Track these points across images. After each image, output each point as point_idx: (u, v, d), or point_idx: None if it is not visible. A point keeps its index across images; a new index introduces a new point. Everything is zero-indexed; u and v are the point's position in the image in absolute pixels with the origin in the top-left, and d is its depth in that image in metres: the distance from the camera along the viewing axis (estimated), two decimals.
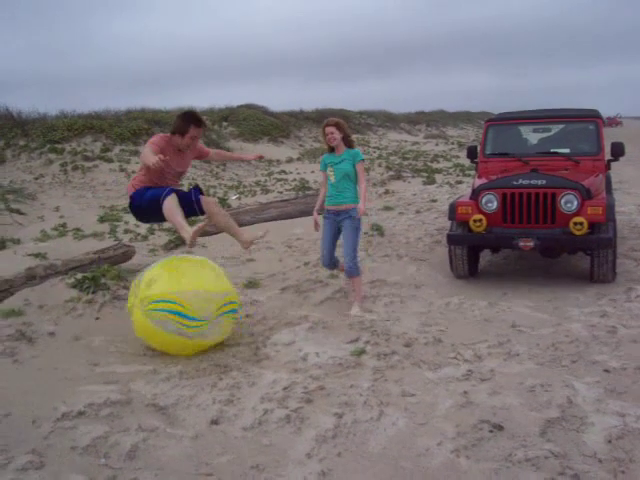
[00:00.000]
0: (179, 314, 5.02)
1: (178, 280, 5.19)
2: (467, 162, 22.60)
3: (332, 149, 6.57)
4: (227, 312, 5.35)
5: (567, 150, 8.39)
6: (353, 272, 6.43)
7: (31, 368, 5.09)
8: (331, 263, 6.73)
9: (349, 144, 6.55)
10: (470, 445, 3.66)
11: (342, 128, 6.50)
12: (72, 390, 4.60)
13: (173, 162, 5.73)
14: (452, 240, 7.43)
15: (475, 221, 7.16)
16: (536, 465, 3.41)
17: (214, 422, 4.06)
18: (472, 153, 8.83)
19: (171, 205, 5.39)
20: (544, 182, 7.11)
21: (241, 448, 3.75)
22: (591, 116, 8.47)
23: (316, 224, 6.66)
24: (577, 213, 6.91)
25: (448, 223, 7.85)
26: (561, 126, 8.94)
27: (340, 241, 6.54)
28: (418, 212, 12.85)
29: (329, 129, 6.47)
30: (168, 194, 5.43)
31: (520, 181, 7.20)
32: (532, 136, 9.26)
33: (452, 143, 37.45)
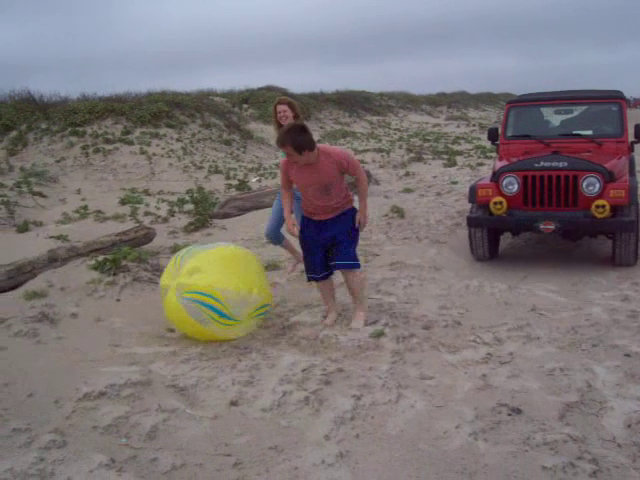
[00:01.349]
0: (215, 310, 5.05)
1: (222, 275, 5.16)
2: (488, 144, 22.36)
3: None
4: (260, 314, 5.44)
5: (589, 132, 8.29)
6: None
7: (53, 349, 5.15)
8: (273, 236, 6.83)
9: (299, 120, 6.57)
10: (488, 428, 3.67)
11: (294, 107, 6.59)
12: (93, 371, 4.66)
13: (298, 177, 5.36)
14: (472, 222, 7.39)
15: (495, 203, 7.11)
16: (554, 449, 3.41)
17: (233, 403, 4.09)
18: (493, 135, 8.76)
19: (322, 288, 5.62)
20: (566, 164, 7.04)
21: (260, 429, 3.78)
22: (614, 97, 8.36)
23: None
24: (599, 196, 6.84)
25: (468, 205, 7.81)
26: (583, 107, 8.84)
27: None
28: (439, 194, 12.79)
29: (282, 107, 6.54)
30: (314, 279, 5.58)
31: (541, 163, 7.13)
32: (554, 118, 9.17)
33: (473, 125, 37.13)
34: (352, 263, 5.37)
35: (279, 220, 6.73)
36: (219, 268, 5.23)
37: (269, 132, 26.30)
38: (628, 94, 8.70)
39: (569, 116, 9.00)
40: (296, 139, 5.03)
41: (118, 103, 22.55)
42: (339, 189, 5.32)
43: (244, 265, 5.47)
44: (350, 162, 5.24)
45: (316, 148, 5.15)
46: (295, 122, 5.58)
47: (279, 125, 6.62)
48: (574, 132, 8.35)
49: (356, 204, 5.50)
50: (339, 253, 5.36)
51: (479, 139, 26.68)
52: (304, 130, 5.13)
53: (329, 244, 5.43)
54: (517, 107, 8.80)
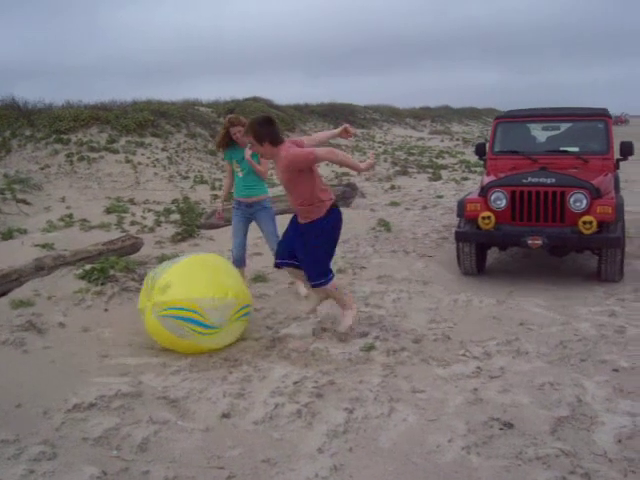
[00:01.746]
0: (195, 322, 4.98)
1: (194, 286, 5.09)
2: (472, 158, 22.64)
3: (232, 142, 6.66)
4: (242, 316, 5.37)
5: (576, 149, 8.39)
6: None
7: (41, 359, 5.10)
8: (242, 259, 6.88)
9: None
10: (481, 442, 3.68)
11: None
12: (83, 381, 4.62)
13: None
14: (460, 237, 7.43)
15: (484, 218, 7.17)
16: (547, 463, 3.43)
17: (225, 415, 4.07)
18: (481, 150, 8.82)
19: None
20: (553, 180, 7.11)
21: (252, 442, 3.76)
22: (600, 115, 8.46)
23: (219, 214, 7.21)
24: (586, 212, 6.91)
25: (455, 219, 7.87)
26: (570, 124, 8.93)
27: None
28: (424, 208, 12.86)
29: (237, 129, 6.50)
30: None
31: (529, 179, 7.20)
32: (541, 134, 9.25)
33: (457, 139, 37.36)
34: (315, 283, 5.46)
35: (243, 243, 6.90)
36: (190, 279, 5.18)
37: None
38: (610, 112, 8.81)
39: (556, 132, 9.09)
40: (258, 129, 5.18)
41: (103, 111, 22.45)
42: (301, 192, 5.30)
43: (214, 271, 5.41)
44: (296, 161, 5.15)
45: (280, 145, 5.21)
46: (264, 114, 5.56)
47: (232, 142, 6.67)
48: (561, 149, 8.44)
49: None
50: (306, 273, 5.48)
51: (463, 153, 26.90)
52: (269, 122, 5.26)
53: (295, 250, 5.51)
54: (505, 123, 8.87)
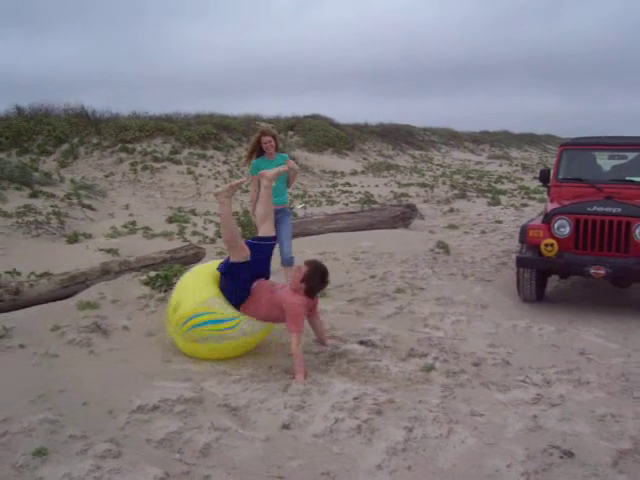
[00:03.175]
0: (214, 322, 5.21)
1: (198, 293, 5.40)
2: (532, 185, 22.42)
3: (262, 153, 7.30)
4: None
5: None
6: (292, 261, 7.48)
7: (106, 360, 5.26)
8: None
9: (278, 150, 7.46)
10: (540, 469, 3.66)
11: (277, 139, 7.36)
12: (146, 384, 4.74)
13: None
14: (522, 263, 7.37)
15: (546, 245, 7.10)
16: None
17: (285, 427, 4.13)
18: (545, 177, 8.74)
19: None
20: (619, 210, 7.01)
21: (312, 454, 3.81)
22: None
23: None
24: None
25: (513, 245, 7.80)
26: (637, 153, 8.79)
27: None
28: (483, 232, 12.78)
29: (267, 138, 7.23)
30: None
31: (595, 207, 7.12)
32: (606, 163, 9.12)
33: (516, 165, 36.97)
34: None
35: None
36: (192, 289, 5.48)
37: (314, 160, 26.48)
38: None
39: (622, 162, 8.95)
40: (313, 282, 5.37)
41: (168, 123, 22.97)
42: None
43: (211, 274, 5.67)
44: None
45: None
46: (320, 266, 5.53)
47: (260, 153, 7.31)
48: (627, 178, 8.32)
49: None
50: None
51: (522, 179, 26.60)
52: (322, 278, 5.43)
53: None
54: (570, 150, 8.77)
